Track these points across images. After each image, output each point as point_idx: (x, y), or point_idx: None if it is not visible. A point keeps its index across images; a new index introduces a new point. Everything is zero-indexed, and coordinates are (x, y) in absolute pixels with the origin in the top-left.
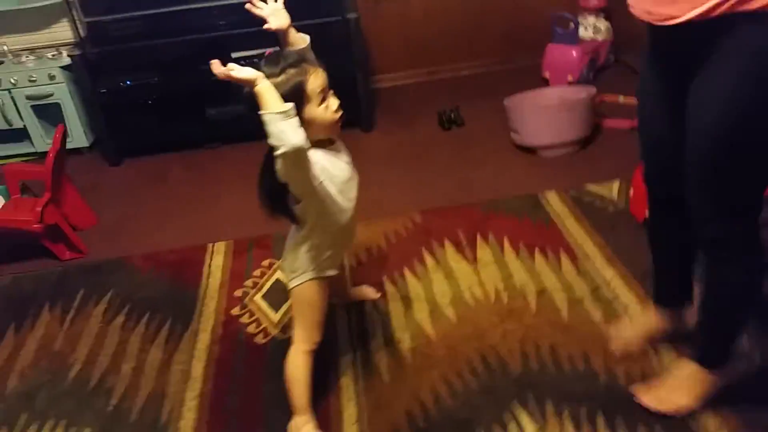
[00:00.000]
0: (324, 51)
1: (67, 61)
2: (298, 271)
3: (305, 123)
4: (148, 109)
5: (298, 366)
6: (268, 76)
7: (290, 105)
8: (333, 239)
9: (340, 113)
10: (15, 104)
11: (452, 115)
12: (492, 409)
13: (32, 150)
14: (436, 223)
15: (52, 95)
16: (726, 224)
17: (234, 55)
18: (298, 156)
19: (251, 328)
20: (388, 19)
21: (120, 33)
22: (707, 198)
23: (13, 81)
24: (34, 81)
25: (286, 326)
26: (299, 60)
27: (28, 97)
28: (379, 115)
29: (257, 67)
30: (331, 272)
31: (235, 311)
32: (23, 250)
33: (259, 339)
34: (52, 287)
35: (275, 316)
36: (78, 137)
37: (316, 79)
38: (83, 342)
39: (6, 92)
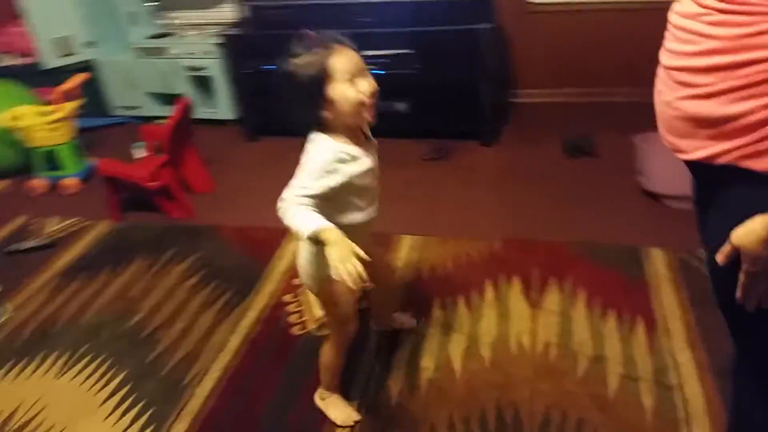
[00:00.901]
0: (452, 59)
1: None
2: (316, 268)
3: (330, 103)
4: None
5: (329, 356)
6: (295, 55)
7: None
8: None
9: (367, 96)
10: (176, 73)
11: (582, 143)
12: None
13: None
14: (514, 255)
15: (206, 69)
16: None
17: (365, 53)
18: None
19: (293, 318)
20: (537, 33)
21: (271, 19)
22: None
23: (175, 52)
24: (192, 54)
25: (324, 326)
26: (329, 40)
27: (187, 68)
28: (506, 130)
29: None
30: None
31: (287, 298)
32: (145, 203)
33: (296, 330)
34: (152, 240)
35: (318, 312)
36: (223, 110)
37: (341, 58)
38: (155, 294)
39: (169, 61)
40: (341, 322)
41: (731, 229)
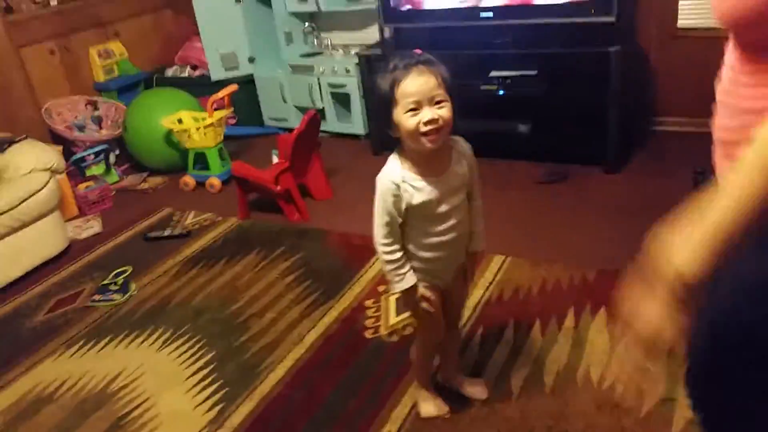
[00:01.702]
0: (579, 81)
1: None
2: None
3: (395, 127)
4: None
5: (416, 355)
6: (383, 70)
7: (408, 284)
8: (425, 261)
9: (424, 127)
10: (320, 88)
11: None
12: None
13: (325, 128)
14: (605, 287)
15: (345, 86)
16: None
17: (493, 73)
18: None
19: (369, 322)
20: (681, 58)
21: (408, 40)
22: None
23: (321, 69)
24: (335, 71)
25: (397, 332)
26: (417, 61)
27: (329, 84)
28: (636, 158)
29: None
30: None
31: (368, 303)
32: (271, 205)
33: (368, 333)
34: (267, 238)
35: (393, 320)
36: (357, 125)
37: (411, 84)
38: (257, 286)
39: (315, 77)
40: (423, 327)
41: None
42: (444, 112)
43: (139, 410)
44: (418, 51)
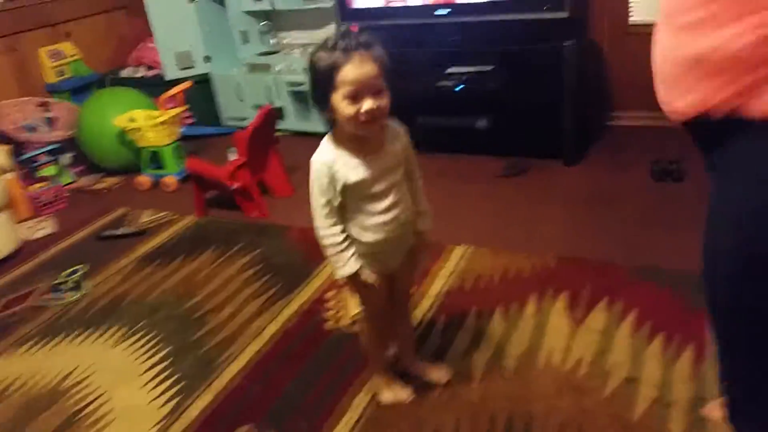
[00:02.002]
0: (535, 76)
1: None
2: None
3: (331, 109)
4: None
5: (365, 336)
6: (320, 47)
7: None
8: (369, 246)
9: (364, 116)
10: (278, 87)
11: (671, 168)
12: None
13: (284, 127)
14: (567, 273)
15: (303, 84)
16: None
17: (450, 69)
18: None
19: (330, 314)
20: (634, 53)
21: None
22: None
23: (278, 68)
24: (294, 70)
25: (356, 323)
26: (357, 44)
27: (287, 83)
28: (593, 151)
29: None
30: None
31: (328, 295)
32: (229, 203)
33: (328, 325)
34: (225, 235)
35: (353, 311)
36: (317, 122)
37: (353, 70)
38: (214, 282)
39: (273, 76)
40: (369, 314)
41: (738, 200)
42: (382, 101)
43: (92, 406)
44: (355, 28)
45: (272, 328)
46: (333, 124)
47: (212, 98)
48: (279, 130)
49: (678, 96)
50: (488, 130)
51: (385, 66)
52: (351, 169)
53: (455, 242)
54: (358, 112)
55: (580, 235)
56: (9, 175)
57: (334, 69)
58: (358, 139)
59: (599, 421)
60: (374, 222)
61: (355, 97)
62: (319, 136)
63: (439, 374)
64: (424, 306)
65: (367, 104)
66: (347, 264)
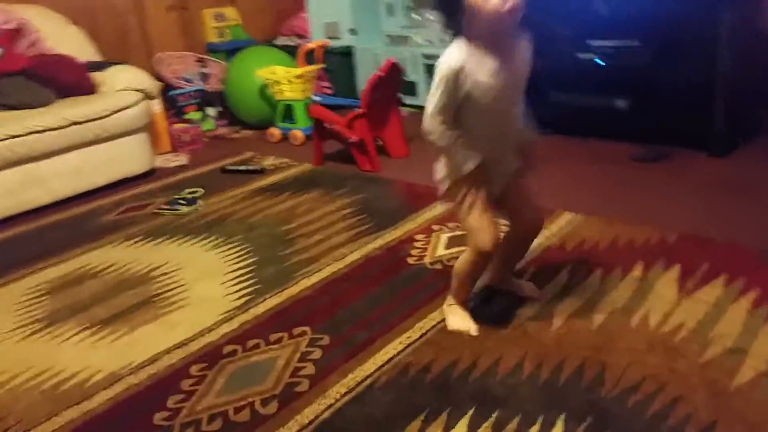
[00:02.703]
0: (686, 54)
1: None
2: (444, 177)
3: (468, 12)
4: None
5: (461, 263)
6: None
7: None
8: (480, 143)
9: (510, 3)
10: (415, 63)
11: None
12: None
13: (417, 102)
14: (685, 248)
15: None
16: None
17: (592, 42)
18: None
19: (414, 251)
20: None
21: None
22: None
23: (418, 40)
24: (431, 43)
25: (440, 262)
26: None
27: (424, 56)
28: (748, 146)
29: None
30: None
31: (418, 236)
32: (348, 156)
33: (411, 260)
34: (335, 180)
35: (439, 251)
36: None
37: None
38: (312, 213)
39: (411, 49)
40: (475, 230)
41: None
42: None
43: (171, 293)
44: None
45: (355, 255)
46: (463, 30)
47: (353, 71)
48: (408, 105)
49: None
50: (627, 111)
51: None
52: (482, 69)
53: (562, 207)
54: (498, 2)
55: (711, 219)
56: (157, 108)
57: None
58: (490, 40)
59: (689, 381)
60: (490, 131)
61: None
62: None
63: (533, 289)
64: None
65: None
66: (468, 160)
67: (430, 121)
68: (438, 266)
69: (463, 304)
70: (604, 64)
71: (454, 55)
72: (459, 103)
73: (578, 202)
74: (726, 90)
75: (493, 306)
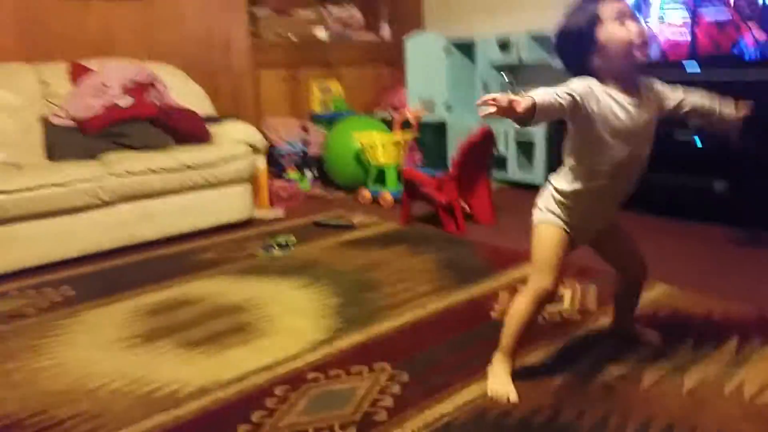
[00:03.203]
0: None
1: None
2: (540, 208)
3: (600, 48)
4: None
5: (518, 305)
6: (569, 14)
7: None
8: (586, 200)
9: (637, 37)
10: (506, 137)
11: None
12: None
13: (506, 177)
14: None
15: (531, 135)
16: None
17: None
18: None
19: (497, 307)
20: None
21: None
22: None
23: None
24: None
25: None
26: None
27: (516, 132)
28: None
29: None
30: (570, 231)
31: (503, 294)
32: (435, 218)
33: (494, 314)
34: (421, 238)
35: None
36: (538, 174)
37: (610, 4)
38: (398, 265)
39: (504, 125)
40: (538, 268)
41: None
42: (642, 26)
43: (261, 322)
44: None
45: (437, 304)
46: (593, 73)
47: (444, 144)
48: (501, 181)
49: None
50: (725, 194)
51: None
52: (612, 100)
53: (657, 278)
54: (629, 32)
55: None
56: (261, 165)
57: (595, 10)
58: (622, 81)
59: None
60: (603, 168)
61: (622, 20)
62: (537, 188)
63: (654, 336)
64: (602, 321)
65: (635, 26)
66: (562, 204)
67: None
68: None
69: (511, 358)
70: (701, 145)
71: (586, 81)
72: (584, 129)
73: (673, 275)
74: None
75: (580, 362)
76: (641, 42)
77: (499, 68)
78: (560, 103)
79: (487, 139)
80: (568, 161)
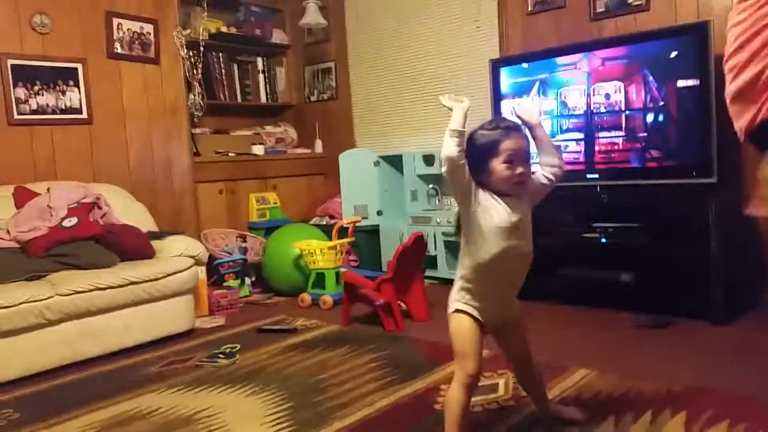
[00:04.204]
0: (682, 238)
1: None
2: (450, 302)
3: (488, 172)
4: None
5: (451, 396)
6: (481, 128)
7: (461, 128)
8: (483, 283)
9: (517, 178)
10: (435, 238)
11: None
12: None
13: (436, 275)
14: (691, 399)
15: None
16: None
17: (595, 224)
18: (447, 162)
19: (440, 399)
20: None
21: None
22: None
23: (438, 220)
24: (450, 222)
25: None
26: (514, 126)
27: (443, 234)
28: (747, 318)
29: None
30: (478, 315)
31: (444, 386)
32: (374, 318)
33: (437, 406)
34: (362, 338)
35: None
36: None
37: (511, 143)
38: (342, 366)
39: (432, 228)
40: (459, 356)
41: None
42: (529, 168)
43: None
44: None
45: (384, 402)
46: (482, 183)
47: (378, 247)
48: (431, 278)
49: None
50: (632, 284)
51: (528, 143)
52: (494, 209)
53: (576, 365)
54: (512, 175)
55: (713, 375)
56: (201, 276)
57: (497, 141)
58: (499, 193)
59: None
60: (496, 259)
61: (512, 162)
62: None
63: (575, 413)
64: (533, 408)
65: (521, 168)
66: (467, 292)
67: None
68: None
69: None
70: (605, 240)
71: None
72: (473, 227)
73: (591, 360)
74: (720, 267)
75: None
76: (520, 181)
77: (424, 178)
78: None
79: (418, 243)
80: (463, 248)
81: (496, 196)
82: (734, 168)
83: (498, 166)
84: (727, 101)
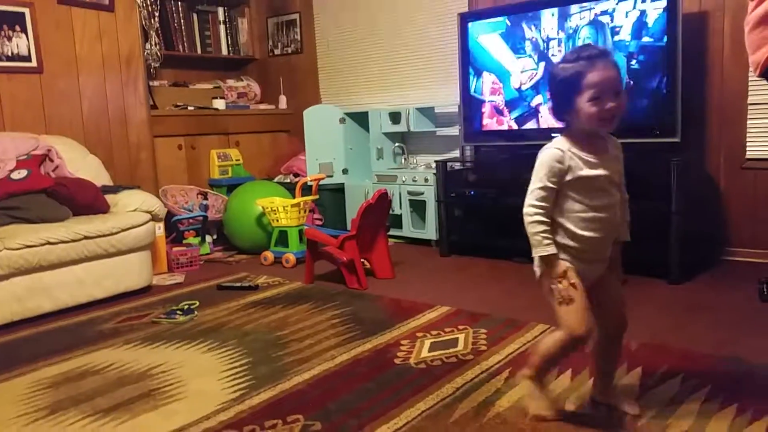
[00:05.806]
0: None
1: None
2: (540, 263)
3: (573, 111)
4: (480, 217)
5: (548, 344)
6: (563, 60)
7: (547, 251)
8: (578, 240)
9: (607, 113)
10: (400, 197)
11: None
12: None
13: (400, 234)
14: (647, 355)
15: (423, 194)
16: None
17: None
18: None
19: (400, 354)
20: (751, 190)
21: (483, 157)
22: None
23: (403, 179)
24: (415, 181)
25: (424, 363)
26: (599, 54)
27: (409, 192)
28: (702, 278)
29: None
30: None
31: (404, 342)
32: (338, 276)
33: (397, 361)
34: (325, 295)
35: (423, 353)
36: (430, 231)
37: (595, 75)
38: (303, 323)
39: (397, 186)
40: (568, 316)
41: None
42: (621, 101)
43: (170, 387)
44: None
45: (344, 357)
46: (568, 125)
47: (343, 205)
48: (395, 237)
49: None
50: None
51: (620, 70)
52: (584, 162)
53: (537, 320)
54: (601, 110)
55: (673, 332)
56: (159, 232)
57: (580, 75)
58: (588, 139)
59: None
60: (591, 216)
61: (599, 98)
62: (430, 244)
63: (634, 408)
64: (491, 362)
65: (609, 103)
66: (549, 245)
67: (529, 201)
68: (422, 366)
69: (545, 384)
70: None
71: (556, 142)
72: (559, 191)
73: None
74: (679, 226)
75: (476, 396)
76: (610, 116)
77: (390, 136)
78: (547, 217)
79: (382, 200)
80: (558, 218)
81: (581, 153)
82: (699, 127)
83: (583, 104)
84: (746, 29)
